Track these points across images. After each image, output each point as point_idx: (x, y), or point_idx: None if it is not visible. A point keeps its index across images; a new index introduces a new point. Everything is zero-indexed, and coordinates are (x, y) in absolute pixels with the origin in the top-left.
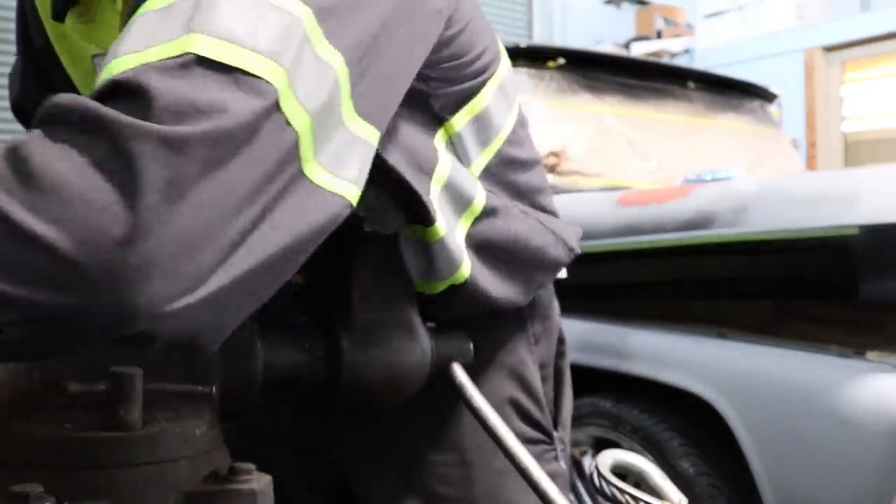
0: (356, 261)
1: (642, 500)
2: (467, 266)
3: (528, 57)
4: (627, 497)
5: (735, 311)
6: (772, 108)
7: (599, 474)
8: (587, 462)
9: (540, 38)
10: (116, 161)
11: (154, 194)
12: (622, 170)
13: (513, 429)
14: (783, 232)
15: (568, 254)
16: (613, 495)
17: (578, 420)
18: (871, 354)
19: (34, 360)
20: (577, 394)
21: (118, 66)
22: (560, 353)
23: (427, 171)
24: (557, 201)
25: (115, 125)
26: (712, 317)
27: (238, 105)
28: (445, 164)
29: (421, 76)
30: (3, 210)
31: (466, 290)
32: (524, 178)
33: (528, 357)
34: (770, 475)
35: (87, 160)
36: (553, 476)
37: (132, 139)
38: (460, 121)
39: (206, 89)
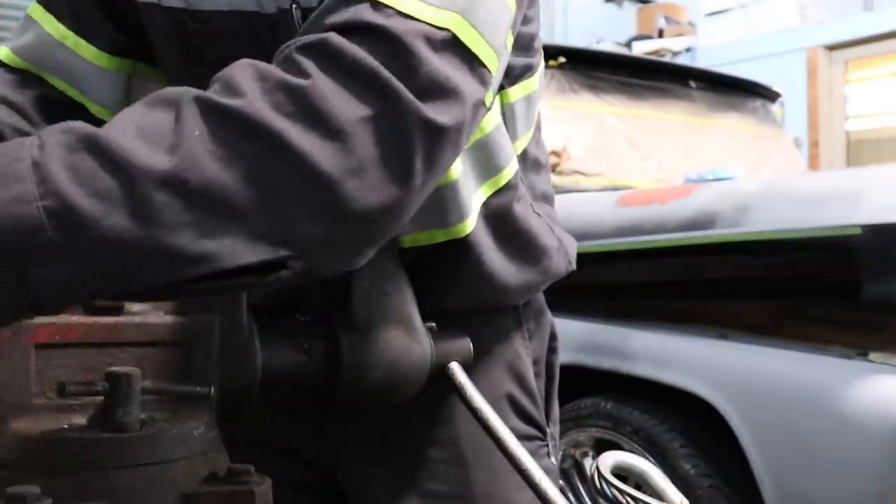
0: None
1: (643, 502)
2: (472, 222)
3: None
4: (628, 498)
5: (737, 311)
6: (774, 108)
7: (600, 476)
8: (588, 463)
9: (541, 36)
10: (393, 130)
11: (419, 178)
12: (623, 169)
13: (509, 425)
14: (785, 232)
15: (567, 266)
16: (614, 497)
17: (579, 421)
18: (873, 355)
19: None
20: (578, 395)
21: None
22: (552, 350)
23: None
24: (558, 201)
25: (394, 93)
26: (714, 317)
27: (470, 93)
28: (492, 120)
29: None
30: (299, 147)
31: (473, 268)
32: (538, 180)
33: (523, 352)
34: (772, 476)
35: (367, 113)
36: (545, 472)
37: (408, 116)
38: (515, 94)
39: (454, 72)
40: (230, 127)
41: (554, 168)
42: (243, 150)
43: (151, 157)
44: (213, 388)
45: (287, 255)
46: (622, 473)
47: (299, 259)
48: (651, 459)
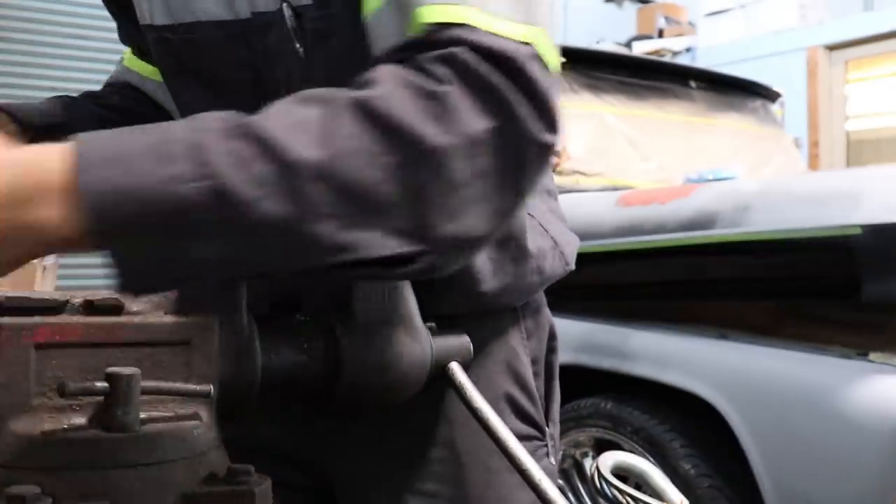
0: None
1: (643, 502)
2: None
3: None
4: (628, 499)
5: (737, 311)
6: (774, 108)
7: (600, 476)
8: (588, 463)
9: None
10: (511, 144)
11: (528, 188)
12: (623, 169)
13: (507, 426)
14: (785, 232)
15: (563, 267)
16: (614, 497)
17: (579, 421)
18: (873, 355)
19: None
20: (579, 395)
21: (465, 14)
22: (551, 349)
23: None
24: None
25: (514, 112)
26: (714, 317)
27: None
28: None
29: None
30: (438, 152)
31: (463, 273)
32: None
33: (521, 351)
34: (772, 476)
35: (492, 125)
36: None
37: (525, 133)
38: None
39: (555, 91)
40: (378, 128)
41: (554, 168)
42: (388, 150)
43: (306, 150)
44: (213, 388)
45: (420, 250)
46: (622, 473)
47: (431, 254)
48: (651, 459)
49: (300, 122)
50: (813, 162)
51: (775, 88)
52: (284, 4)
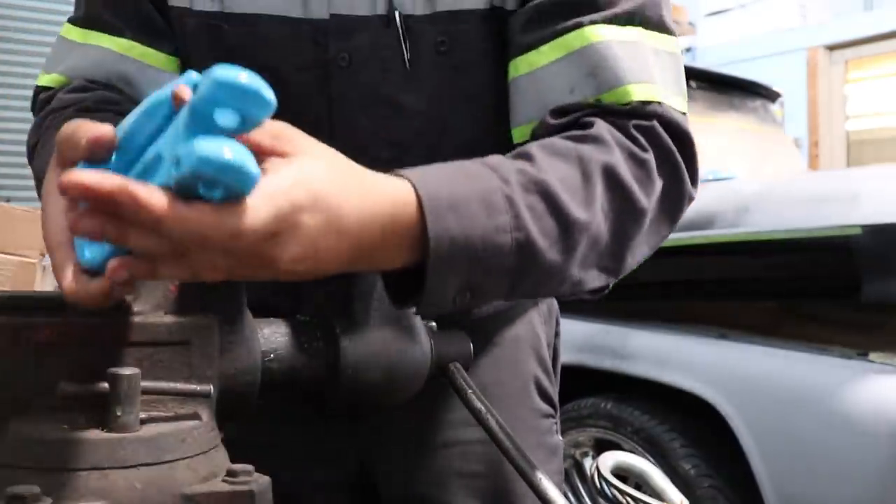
0: None
1: (643, 502)
2: None
3: None
4: (628, 499)
5: (737, 311)
6: (774, 108)
7: (600, 476)
8: (588, 463)
9: None
10: (678, 201)
11: (673, 229)
12: None
13: (534, 406)
14: (785, 232)
15: None
16: (614, 497)
17: (579, 421)
18: (874, 355)
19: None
20: (579, 395)
21: (658, 93)
22: (556, 333)
23: None
24: None
25: (682, 178)
26: (714, 317)
27: None
28: None
29: None
30: (642, 207)
31: None
32: None
33: (542, 336)
34: (772, 477)
35: (665, 186)
36: (555, 448)
37: (685, 193)
38: None
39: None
40: (615, 193)
41: None
42: (617, 209)
43: (577, 210)
44: (213, 388)
45: (611, 280)
46: (622, 473)
47: (613, 281)
48: (651, 459)
49: (568, 181)
50: (813, 162)
51: (775, 88)
52: (396, 13)
